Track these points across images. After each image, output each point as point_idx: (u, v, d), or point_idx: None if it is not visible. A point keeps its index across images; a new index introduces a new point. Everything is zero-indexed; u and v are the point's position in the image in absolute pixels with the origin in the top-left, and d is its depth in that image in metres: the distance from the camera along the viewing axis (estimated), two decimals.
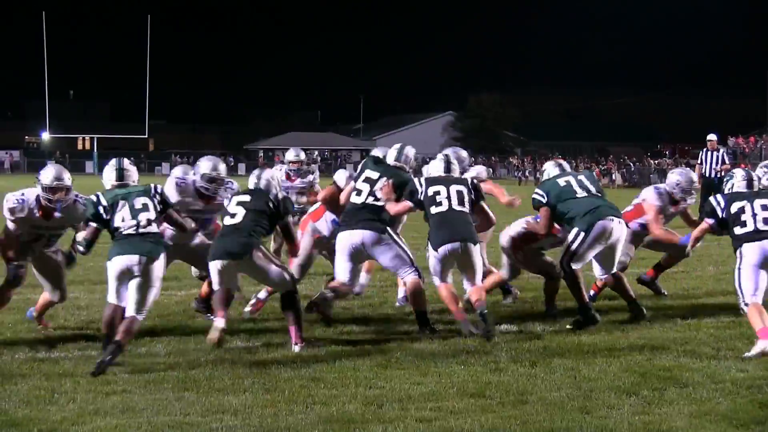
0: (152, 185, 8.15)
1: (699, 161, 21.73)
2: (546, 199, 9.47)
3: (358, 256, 9.10)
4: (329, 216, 9.63)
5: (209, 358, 7.76)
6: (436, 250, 8.93)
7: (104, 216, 7.93)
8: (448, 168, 9.44)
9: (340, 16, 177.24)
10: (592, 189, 9.50)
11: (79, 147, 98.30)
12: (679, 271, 10.84)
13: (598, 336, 8.75)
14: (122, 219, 7.88)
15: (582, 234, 9.17)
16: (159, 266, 7.83)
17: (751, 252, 8.25)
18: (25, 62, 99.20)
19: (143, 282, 7.74)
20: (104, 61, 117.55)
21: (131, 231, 7.83)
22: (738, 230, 8.40)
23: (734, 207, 8.48)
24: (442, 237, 8.92)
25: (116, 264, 7.76)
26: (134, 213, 7.87)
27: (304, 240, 9.59)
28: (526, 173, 68.05)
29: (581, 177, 9.67)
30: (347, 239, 9.04)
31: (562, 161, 10.21)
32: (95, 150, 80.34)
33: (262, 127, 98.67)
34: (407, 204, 9.13)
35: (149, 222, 7.88)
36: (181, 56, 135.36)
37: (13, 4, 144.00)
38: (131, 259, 7.72)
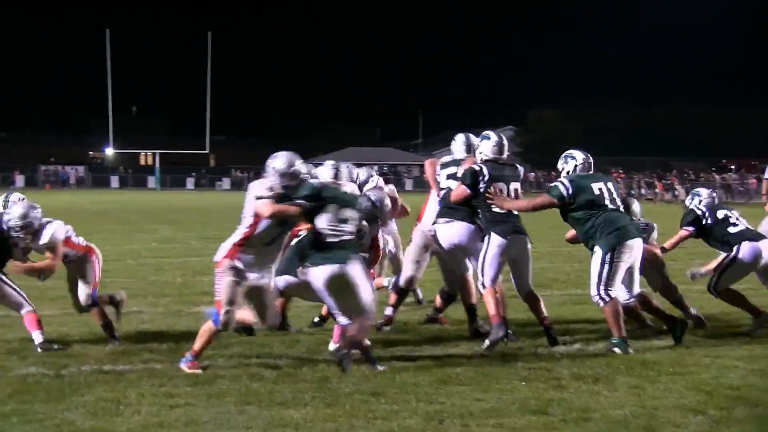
0: (364, 198, 8.32)
1: (766, 176, 21.32)
2: (573, 200, 8.95)
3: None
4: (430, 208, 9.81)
5: (271, 372, 7.79)
6: (505, 237, 8.98)
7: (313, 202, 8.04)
8: (500, 150, 9.31)
9: (400, 32, 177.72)
10: (619, 201, 9.11)
11: (142, 162, 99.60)
12: (747, 288, 10.67)
13: (663, 353, 8.64)
14: (325, 222, 7.97)
15: (608, 257, 8.77)
16: (358, 269, 7.97)
17: (747, 251, 9.84)
18: (89, 79, 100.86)
19: (353, 285, 7.94)
20: (165, 77, 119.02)
21: (333, 239, 7.95)
22: (732, 229, 9.97)
23: (720, 214, 10.10)
24: (507, 229, 9.02)
25: (321, 274, 7.89)
26: (341, 221, 8.00)
27: (414, 242, 9.91)
28: None
29: (610, 184, 9.16)
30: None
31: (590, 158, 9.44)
32: (157, 165, 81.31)
33: (321, 143, 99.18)
34: (464, 190, 9.16)
35: (348, 233, 8.03)
36: (241, 72, 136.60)
37: (77, 22, 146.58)
38: (333, 269, 7.86)
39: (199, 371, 7.79)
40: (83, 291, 9.25)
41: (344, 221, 7.99)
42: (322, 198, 7.97)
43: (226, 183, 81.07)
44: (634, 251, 8.90)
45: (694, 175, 68.03)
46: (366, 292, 7.99)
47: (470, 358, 8.45)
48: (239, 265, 7.94)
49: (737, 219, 10.10)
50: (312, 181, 8.17)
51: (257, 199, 7.92)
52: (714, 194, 10.57)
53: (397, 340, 9.28)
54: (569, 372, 7.85)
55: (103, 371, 7.83)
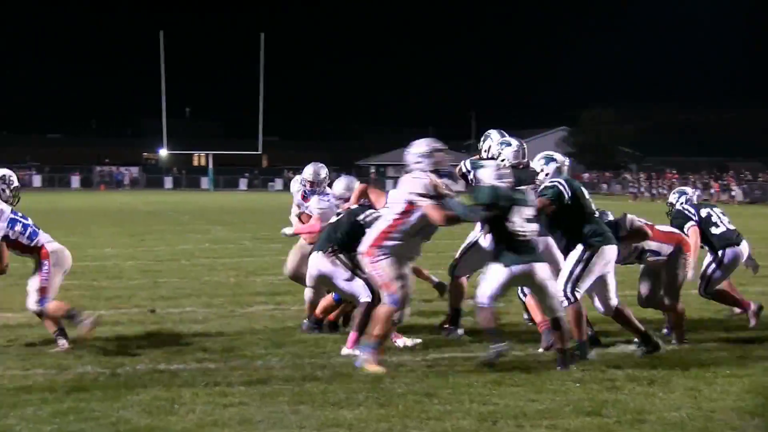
0: (532, 197, 8.32)
1: None
2: (570, 203, 8.61)
3: None
4: None
5: (324, 372, 7.81)
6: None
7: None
8: (523, 155, 9.37)
9: (451, 32, 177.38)
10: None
11: (195, 163, 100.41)
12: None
13: (720, 355, 8.54)
14: (515, 223, 7.97)
15: (586, 255, 8.52)
16: (545, 268, 8.06)
17: (730, 256, 10.17)
18: (143, 81, 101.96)
19: (542, 284, 8.01)
20: (218, 79, 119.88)
21: (521, 239, 7.97)
22: (715, 230, 10.22)
23: (703, 212, 10.33)
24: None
25: (510, 273, 7.92)
26: (526, 220, 8.02)
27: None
28: (641, 189, 66.97)
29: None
30: None
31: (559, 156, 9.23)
32: (210, 166, 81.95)
33: (373, 144, 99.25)
34: None
35: (533, 231, 8.09)
36: (293, 73, 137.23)
37: (131, 25, 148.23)
38: (523, 268, 7.91)
39: (381, 369, 7.77)
40: (31, 295, 8.80)
41: (528, 220, 8.02)
42: (503, 201, 7.98)
43: (278, 184, 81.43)
44: (611, 258, 8.61)
45: (751, 175, 67.13)
46: (553, 290, 8.08)
47: (524, 359, 8.40)
48: (389, 245, 7.95)
49: (719, 218, 10.37)
50: (488, 185, 8.13)
51: (420, 196, 7.89)
52: (696, 193, 11.13)
53: (451, 341, 9.25)
54: (624, 373, 7.77)
55: (157, 370, 7.89)
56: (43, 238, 8.91)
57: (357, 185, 9.55)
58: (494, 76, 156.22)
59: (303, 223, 10.60)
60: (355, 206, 9.12)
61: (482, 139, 10.04)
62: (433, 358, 8.23)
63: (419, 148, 8.18)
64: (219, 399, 6.91)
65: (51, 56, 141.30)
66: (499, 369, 7.88)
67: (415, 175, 8.06)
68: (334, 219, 9.26)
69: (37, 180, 78.96)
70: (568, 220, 8.67)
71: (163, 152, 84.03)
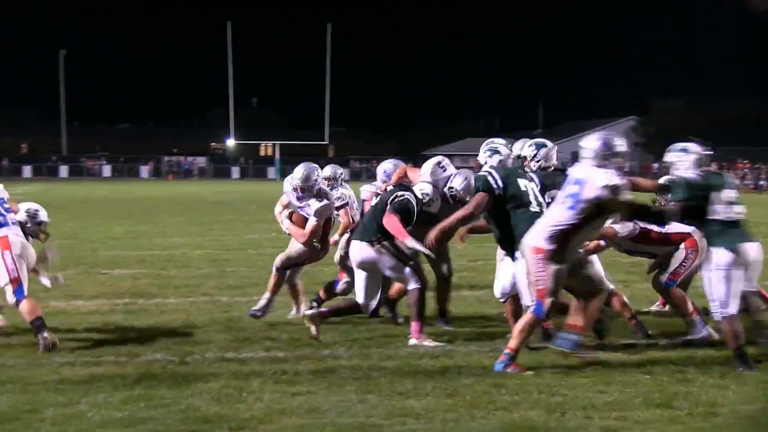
0: (730, 179, 8.19)
1: None
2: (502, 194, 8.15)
3: None
4: None
5: (391, 362, 7.81)
6: None
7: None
8: (554, 157, 8.94)
9: (519, 22, 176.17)
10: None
11: (262, 153, 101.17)
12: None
13: None
14: (716, 209, 7.81)
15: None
16: (756, 248, 7.87)
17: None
18: (210, 72, 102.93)
19: (755, 263, 7.86)
20: (285, 69, 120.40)
21: (728, 222, 7.81)
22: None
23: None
24: None
25: (725, 257, 7.71)
26: (728, 203, 7.84)
27: None
28: None
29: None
30: None
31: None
32: (277, 156, 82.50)
33: (440, 134, 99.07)
34: None
35: (739, 213, 7.91)
36: (360, 63, 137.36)
37: (199, 16, 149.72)
38: (739, 248, 7.72)
39: (528, 372, 7.44)
40: (6, 291, 8.33)
41: (731, 203, 7.85)
42: (698, 191, 7.85)
43: (345, 174, 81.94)
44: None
45: None
46: (756, 272, 7.90)
47: (592, 350, 8.29)
48: (563, 246, 7.48)
49: None
50: (682, 176, 7.97)
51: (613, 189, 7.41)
52: None
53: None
54: (695, 366, 7.66)
55: (226, 359, 7.96)
56: (9, 230, 8.43)
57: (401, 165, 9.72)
58: (562, 66, 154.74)
59: (294, 222, 10.02)
60: (392, 188, 9.10)
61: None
62: (501, 348, 8.18)
63: (616, 146, 7.65)
64: (287, 388, 6.94)
65: (120, 48, 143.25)
66: (568, 360, 7.81)
67: (608, 178, 7.43)
68: (374, 200, 9.33)
69: (106, 170, 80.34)
70: (499, 214, 8.20)
71: (231, 142, 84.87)
